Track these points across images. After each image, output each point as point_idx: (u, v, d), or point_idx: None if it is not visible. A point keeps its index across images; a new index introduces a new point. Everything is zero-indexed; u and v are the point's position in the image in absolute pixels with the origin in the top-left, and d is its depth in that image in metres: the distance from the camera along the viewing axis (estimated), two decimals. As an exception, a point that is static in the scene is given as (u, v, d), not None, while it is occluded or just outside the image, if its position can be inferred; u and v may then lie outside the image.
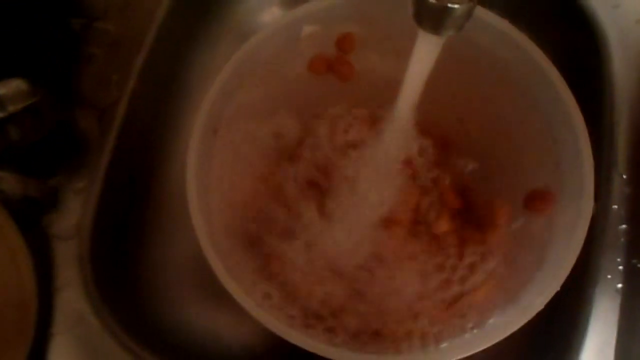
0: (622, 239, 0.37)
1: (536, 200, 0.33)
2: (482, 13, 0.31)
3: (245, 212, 0.35)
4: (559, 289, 0.27)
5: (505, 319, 0.28)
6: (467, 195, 0.38)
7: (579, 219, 0.28)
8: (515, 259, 0.33)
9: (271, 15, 0.49)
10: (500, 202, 0.37)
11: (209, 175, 0.31)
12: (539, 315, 0.30)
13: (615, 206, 0.38)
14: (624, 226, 0.37)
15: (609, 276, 0.36)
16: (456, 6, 0.25)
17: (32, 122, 0.38)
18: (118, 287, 0.40)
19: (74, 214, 0.39)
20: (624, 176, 0.38)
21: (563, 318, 0.37)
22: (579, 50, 0.44)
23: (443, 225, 0.37)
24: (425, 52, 0.29)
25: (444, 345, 0.29)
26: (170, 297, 0.42)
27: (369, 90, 0.38)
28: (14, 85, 0.37)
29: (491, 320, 0.29)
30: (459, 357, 0.27)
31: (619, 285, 0.36)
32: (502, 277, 0.33)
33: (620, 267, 0.36)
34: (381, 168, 0.36)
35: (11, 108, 0.36)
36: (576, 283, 0.36)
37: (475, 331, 0.28)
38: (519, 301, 0.29)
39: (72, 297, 0.37)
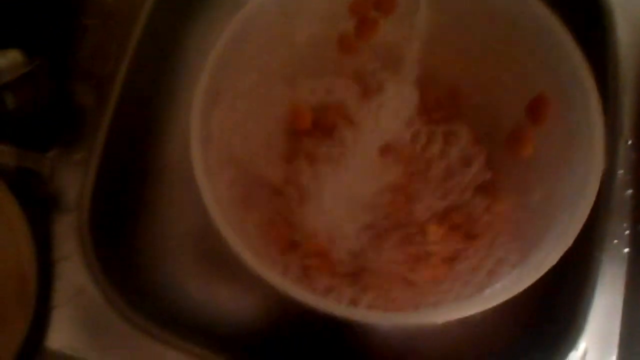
0: (629, 204, 0.37)
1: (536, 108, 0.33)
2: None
3: (247, 171, 0.34)
4: (570, 244, 0.27)
5: (517, 276, 0.27)
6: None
7: (589, 177, 0.28)
8: (524, 221, 0.33)
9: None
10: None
11: (211, 135, 0.30)
12: (546, 280, 0.30)
13: (621, 171, 0.37)
14: (630, 191, 0.37)
15: (616, 241, 0.36)
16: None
17: (28, 92, 0.37)
18: (118, 259, 0.39)
19: (72, 186, 0.38)
20: (630, 142, 0.38)
21: (570, 283, 0.36)
22: (584, 23, 0.43)
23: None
24: None
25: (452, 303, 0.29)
26: (171, 268, 0.42)
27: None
28: (11, 56, 0.37)
29: (502, 279, 0.28)
30: (467, 314, 0.26)
31: (626, 250, 0.36)
32: (513, 230, 0.32)
33: (627, 232, 0.36)
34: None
35: (6, 77, 0.35)
36: (583, 248, 0.36)
37: (487, 290, 0.28)
38: (530, 259, 0.28)
39: (72, 269, 0.37)
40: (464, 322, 0.39)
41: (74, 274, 0.37)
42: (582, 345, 0.34)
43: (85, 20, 0.42)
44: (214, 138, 0.30)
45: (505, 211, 0.35)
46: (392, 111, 0.38)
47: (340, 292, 0.32)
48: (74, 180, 0.38)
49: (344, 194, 0.36)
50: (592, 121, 0.29)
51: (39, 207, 0.38)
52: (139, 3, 0.42)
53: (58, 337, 0.36)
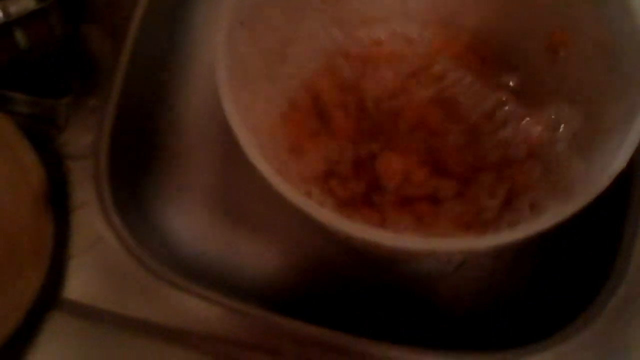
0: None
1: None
2: None
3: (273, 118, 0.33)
4: (624, 165, 0.25)
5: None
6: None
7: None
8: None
9: None
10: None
11: (236, 70, 0.29)
12: (585, 223, 0.28)
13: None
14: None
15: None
16: None
17: (41, 31, 0.35)
18: (136, 207, 0.38)
19: (88, 133, 0.37)
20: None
21: (611, 227, 0.35)
22: None
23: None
24: None
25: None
26: (190, 217, 0.41)
27: None
28: (22, -6, 0.35)
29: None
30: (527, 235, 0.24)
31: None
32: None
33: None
34: None
35: (17, 13, 0.34)
36: (622, 193, 0.34)
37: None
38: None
39: (88, 218, 0.35)
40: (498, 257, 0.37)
41: (91, 222, 0.35)
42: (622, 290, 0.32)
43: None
44: (238, 70, 0.28)
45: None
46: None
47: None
48: (90, 127, 0.37)
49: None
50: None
51: (55, 154, 0.37)
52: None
53: (76, 286, 0.34)
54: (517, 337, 0.31)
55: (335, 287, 0.39)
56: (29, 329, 0.33)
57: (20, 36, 0.34)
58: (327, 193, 0.33)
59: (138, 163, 0.40)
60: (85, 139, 0.37)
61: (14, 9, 0.33)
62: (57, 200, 0.35)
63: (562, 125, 0.32)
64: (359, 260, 0.39)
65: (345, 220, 0.23)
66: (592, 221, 0.30)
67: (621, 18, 0.28)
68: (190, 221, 0.41)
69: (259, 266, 0.40)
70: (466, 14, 0.38)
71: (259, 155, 0.24)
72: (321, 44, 0.37)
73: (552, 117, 0.33)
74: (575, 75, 0.32)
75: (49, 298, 0.34)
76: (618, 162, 0.24)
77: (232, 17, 0.29)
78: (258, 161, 0.24)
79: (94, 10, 0.40)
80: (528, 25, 0.35)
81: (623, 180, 0.26)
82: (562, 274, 0.37)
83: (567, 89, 0.33)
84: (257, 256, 0.40)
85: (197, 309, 0.33)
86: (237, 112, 0.25)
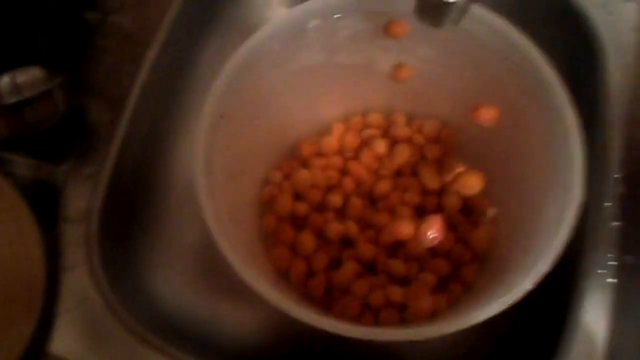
0: (615, 236, 0.38)
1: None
2: (480, 11, 0.33)
3: (246, 200, 0.36)
4: (548, 269, 0.28)
5: (494, 300, 0.28)
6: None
7: (568, 206, 0.29)
8: (503, 250, 0.34)
9: (278, 12, 0.51)
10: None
11: (214, 160, 0.32)
12: (530, 309, 0.31)
13: (609, 203, 0.39)
14: (616, 223, 0.38)
15: (601, 271, 0.37)
16: (452, 0, 0.26)
17: (47, 108, 0.39)
18: (123, 270, 0.41)
19: (83, 198, 0.40)
20: (618, 175, 0.39)
21: (555, 312, 0.37)
22: (575, 56, 0.45)
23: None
24: None
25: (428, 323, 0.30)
26: (175, 281, 0.43)
27: (370, 85, 0.40)
28: (31, 73, 0.39)
29: (479, 301, 0.30)
30: (443, 334, 0.27)
31: (611, 280, 0.37)
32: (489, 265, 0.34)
33: (612, 263, 0.37)
34: None
35: (27, 93, 0.38)
36: (568, 278, 0.37)
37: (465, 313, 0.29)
38: (506, 283, 0.30)
39: (78, 277, 0.38)
40: (444, 344, 0.40)
41: (79, 282, 0.38)
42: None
43: (103, 42, 0.45)
44: (216, 159, 0.32)
45: (482, 238, 0.36)
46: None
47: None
48: (85, 192, 0.40)
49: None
50: (572, 156, 0.30)
51: (51, 216, 0.40)
52: (154, 28, 0.44)
53: (61, 342, 0.37)
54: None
55: (313, 350, 0.40)
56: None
57: (27, 112, 0.38)
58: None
59: (127, 227, 0.43)
60: (80, 204, 0.40)
61: (25, 88, 0.37)
62: (50, 259, 0.38)
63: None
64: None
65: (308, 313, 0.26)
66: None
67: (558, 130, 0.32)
68: (175, 283, 0.43)
69: (240, 326, 0.43)
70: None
71: (228, 246, 0.27)
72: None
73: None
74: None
75: (36, 352, 0.37)
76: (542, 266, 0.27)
77: (213, 110, 0.33)
78: (227, 252, 0.27)
79: (95, 82, 0.44)
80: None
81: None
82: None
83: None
84: (238, 316, 0.43)
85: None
86: (210, 204, 0.29)
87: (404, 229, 0.35)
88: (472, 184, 0.35)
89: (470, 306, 0.31)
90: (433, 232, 0.33)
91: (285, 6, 0.51)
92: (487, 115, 0.35)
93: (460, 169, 0.39)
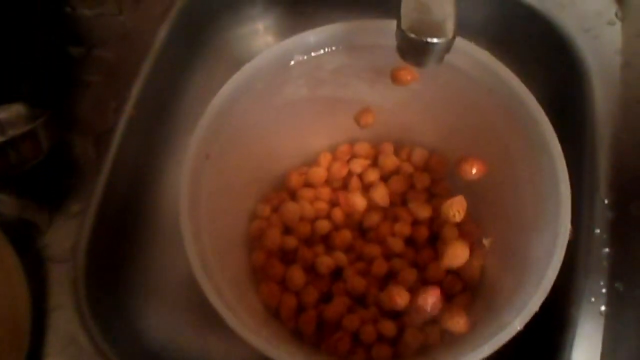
0: (605, 263, 0.38)
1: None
2: (465, 45, 0.33)
3: (234, 236, 0.36)
4: (537, 309, 0.28)
5: (484, 338, 0.28)
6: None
7: (557, 240, 0.29)
8: (494, 280, 0.34)
9: (264, 44, 0.51)
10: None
11: (200, 198, 0.32)
12: (523, 337, 0.31)
13: (598, 230, 0.38)
14: (606, 250, 0.38)
15: (593, 299, 0.37)
16: (436, 41, 0.26)
17: (30, 146, 0.39)
18: (110, 310, 0.40)
19: (68, 237, 0.40)
20: (606, 201, 0.39)
21: (547, 340, 0.37)
22: (560, 80, 0.45)
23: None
24: None
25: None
26: (163, 320, 0.43)
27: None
28: (14, 110, 0.39)
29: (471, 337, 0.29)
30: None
31: (603, 308, 0.37)
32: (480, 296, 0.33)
33: (604, 290, 0.37)
34: None
35: (11, 132, 0.37)
36: (560, 306, 0.37)
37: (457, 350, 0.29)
38: (498, 321, 0.29)
39: (65, 319, 0.38)
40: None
41: (66, 324, 0.38)
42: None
43: (87, 77, 0.45)
44: (202, 198, 0.32)
45: (474, 269, 0.36)
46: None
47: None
48: (70, 232, 0.40)
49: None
50: (559, 187, 0.30)
51: (36, 256, 0.39)
52: (139, 62, 0.44)
53: (49, 386, 0.37)
54: None
55: None
56: None
57: (11, 153, 0.37)
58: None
59: (114, 265, 0.42)
60: (65, 243, 0.40)
61: (8, 127, 0.37)
62: (36, 300, 0.38)
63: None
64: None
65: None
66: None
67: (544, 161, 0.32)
68: (164, 319, 0.43)
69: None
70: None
71: (212, 290, 0.27)
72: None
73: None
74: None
75: (22, 397, 0.36)
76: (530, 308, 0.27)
77: (197, 150, 0.32)
78: (210, 295, 0.27)
79: (79, 118, 0.43)
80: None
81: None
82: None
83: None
84: (227, 354, 0.42)
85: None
86: (194, 246, 0.28)
87: (400, 298, 0.34)
88: (459, 254, 0.35)
89: (462, 340, 0.31)
90: (432, 302, 0.33)
91: (272, 35, 0.51)
92: (470, 168, 0.35)
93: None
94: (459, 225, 0.40)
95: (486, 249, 0.37)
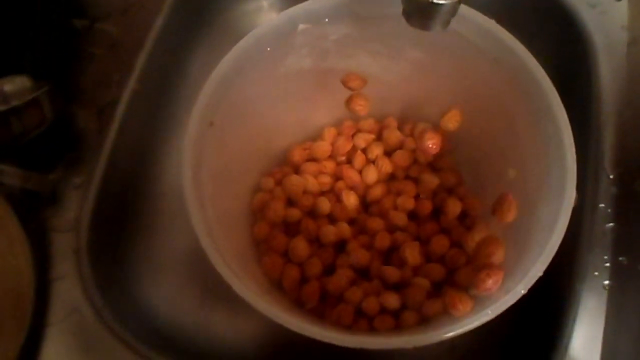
0: (609, 237, 0.38)
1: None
2: (470, 12, 0.33)
3: (237, 209, 0.36)
4: (541, 274, 0.28)
5: (488, 304, 0.28)
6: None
7: (561, 207, 0.29)
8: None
9: (269, 17, 0.51)
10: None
11: (203, 168, 0.32)
12: (527, 310, 0.31)
13: (602, 205, 0.38)
14: (611, 224, 0.38)
15: (596, 273, 0.37)
16: (442, 2, 0.26)
17: (34, 117, 0.39)
18: (113, 280, 0.40)
19: (72, 208, 0.40)
20: (611, 176, 0.39)
21: (551, 313, 0.37)
22: (566, 56, 0.45)
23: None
24: None
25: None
26: (165, 290, 0.43)
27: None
28: (19, 81, 0.39)
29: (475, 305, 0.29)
30: (437, 341, 0.27)
31: (606, 282, 0.37)
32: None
33: (607, 264, 0.37)
34: None
35: (14, 102, 0.37)
36: (564, 280, 0.37)
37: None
38: (503, 288, 0.29)
39: (67, 288, 0.38)
40: (441, 346, 0.40)
41: (69, 293, 0.38)
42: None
43: (91, 49, 0.45)
44: (205, 168, 0.31)
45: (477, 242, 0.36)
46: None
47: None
48: (74, 202, 0.40)
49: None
50: (565, 157, 0.30)
51: (39, 226, 0.39)
52: (142, 35, 0.44)
53: (51, 354, 0.37)
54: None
55: (309, 356, 0.40)
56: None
57: (14, 122, 0.37)
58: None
59: (117, 236, 0.42)
60: (69, 214, 0.40)
61: (11, 97, 0.37)
62: (39, 270, 0.38)
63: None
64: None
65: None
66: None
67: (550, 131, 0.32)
68: (166, 291, 0.43)
69: (231, 335, 0.42)
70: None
71: (218, 256, 0.27)
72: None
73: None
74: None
75: (26, 362, 0.36)
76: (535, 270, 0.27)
77: (201, 118, 0.32)
78: (216, 262, 0.27)
79: (83, 90, 0.43)
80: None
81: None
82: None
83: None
84: (229, 325, 0.42)
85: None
86: (199, 214, 0.28)
87: (462, 305, 0.34)
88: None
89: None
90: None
91: (277, 12, 0.51)
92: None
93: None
94: (461, 200, 0.40)
95: (488, 222, 0.36)
